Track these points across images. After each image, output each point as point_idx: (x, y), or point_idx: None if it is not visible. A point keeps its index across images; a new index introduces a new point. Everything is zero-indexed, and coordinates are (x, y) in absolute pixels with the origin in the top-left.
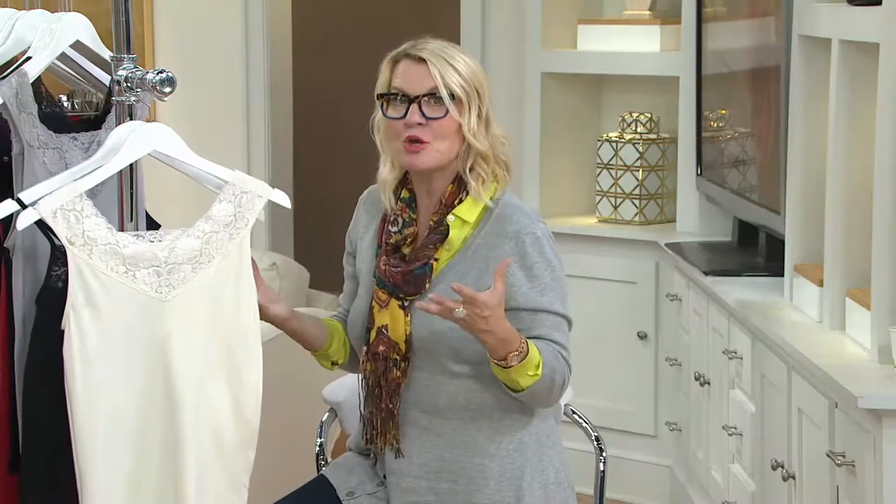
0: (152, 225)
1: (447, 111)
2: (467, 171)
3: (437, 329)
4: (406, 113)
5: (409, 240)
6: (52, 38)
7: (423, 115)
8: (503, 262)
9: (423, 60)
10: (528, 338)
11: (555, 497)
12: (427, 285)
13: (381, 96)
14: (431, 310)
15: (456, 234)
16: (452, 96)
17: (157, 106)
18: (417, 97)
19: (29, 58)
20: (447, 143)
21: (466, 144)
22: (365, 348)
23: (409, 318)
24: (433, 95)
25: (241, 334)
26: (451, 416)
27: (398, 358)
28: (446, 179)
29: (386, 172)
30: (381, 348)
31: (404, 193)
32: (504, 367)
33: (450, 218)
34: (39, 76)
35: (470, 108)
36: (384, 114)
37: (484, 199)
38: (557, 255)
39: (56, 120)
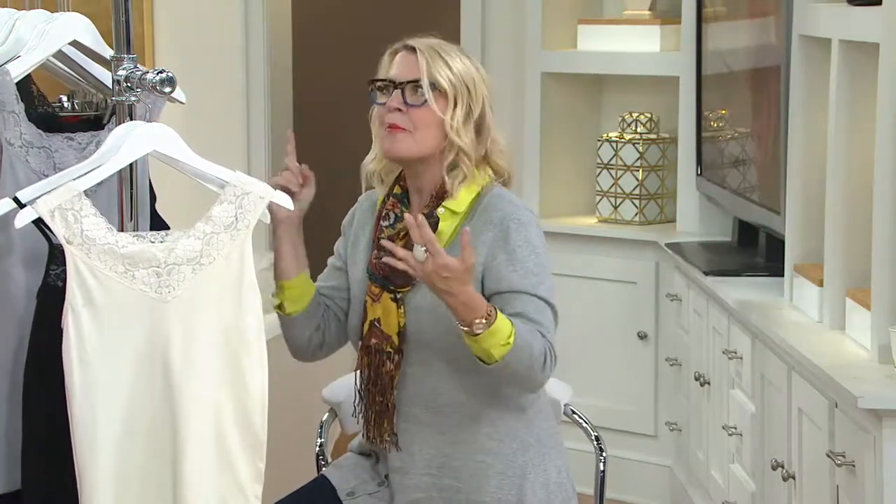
0: (162, 227)
1: (426, 100)
2: (447, 168)
3: (430, 321)
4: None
5: (402, 233)
6: (43, 39)
7: (405, 101)
8: (465, 232)
9: (414, 50)
10: (506, 315)
11: (556, 497)
12: None
13: (370, 82)
14: (395, 252)
15: (446, 226)
16: (434, 87)
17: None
18: (402, 84)
19: (18, 58)
20: (424, 134)
21: (449, 141)
22: (360, 342)
23: (402, 311)
24: (416, 84)
25: (244, 337)
26: (451, 413)
27: (391, 350)
28: (436, 174)
29: (369, 160)
30: (374, 341)
31: (397, 190)
32: (472, 335)
33: (440, 210)
34: (30, 75)
35: (456, 104)
36: (373, 100)
37: (458, 198)
38: (544, 244)
39: (48, 120)
